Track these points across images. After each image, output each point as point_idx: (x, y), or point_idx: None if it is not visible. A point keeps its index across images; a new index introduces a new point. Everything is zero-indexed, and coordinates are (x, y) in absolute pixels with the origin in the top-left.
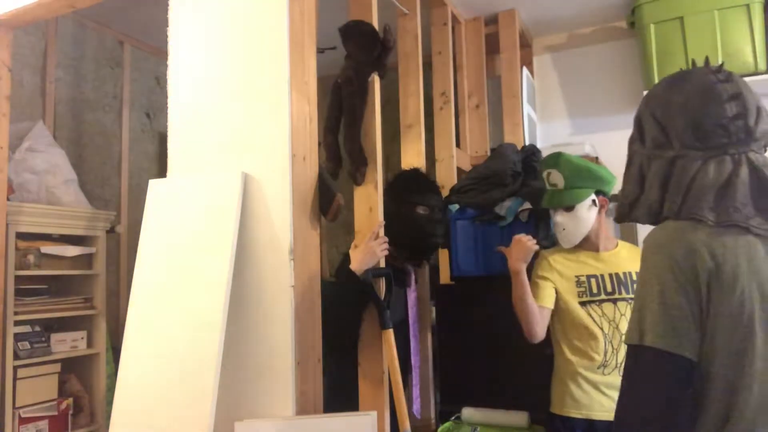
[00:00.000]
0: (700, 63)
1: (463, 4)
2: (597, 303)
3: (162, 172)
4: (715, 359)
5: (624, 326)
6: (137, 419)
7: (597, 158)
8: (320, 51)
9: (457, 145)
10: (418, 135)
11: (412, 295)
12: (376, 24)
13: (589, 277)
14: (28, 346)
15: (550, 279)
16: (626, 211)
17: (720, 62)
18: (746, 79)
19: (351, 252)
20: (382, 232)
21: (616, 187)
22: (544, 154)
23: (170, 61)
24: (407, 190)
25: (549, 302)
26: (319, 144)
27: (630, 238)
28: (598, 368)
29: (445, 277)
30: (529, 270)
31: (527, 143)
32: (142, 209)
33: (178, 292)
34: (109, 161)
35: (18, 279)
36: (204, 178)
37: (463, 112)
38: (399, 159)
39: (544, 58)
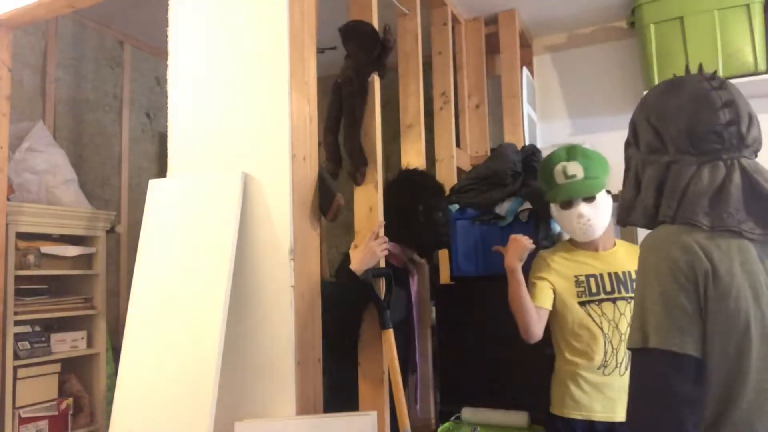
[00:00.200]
0: (694, 68)
1: (463, 4)
2: (596, 303)
3: (162, 172)
4: (712, 358)
5: (624, 326)
6: (137, 419)
7: None
8: (320, 51)
9: (457, 145)
10: (418, 135)
11: (414, 291)
12: (376, 24)
13: (588, 276)
14: (28, 346)
15: (547, 279)
16: (624, 216)
17: (714, 70)
18: (746, 79)
19: (351, 252)
20: (382, 232)
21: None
22: (544, 154)
23: (170, 61)
24: (417, 190)
25: (546, 303)
26: (319, 144)
27: (629, 237)
28: (598, 368)
29: (445, 277)
30: (526, 270)
31: (527, 143)
32: (142, 209)
33: (178, 292)
34: (109, 161)
35: (18, 279)
36: (204, 178)
37: (463, 112)
38: (399, 159)
39: (544, 58)
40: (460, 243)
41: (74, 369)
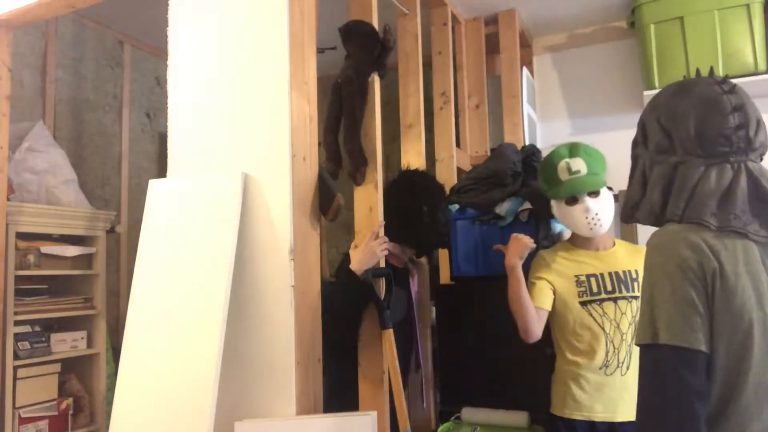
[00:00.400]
0: (700, 67)
1: (463, 4)
2: (598, 302)
3: (162, 172)
4: (718, 356)
5: (625, 325)
6: (137, 419)
7: None
8: (320, 51)
9: (457, 145)
10: (418, 135)
11: (414, 291)
12: (376, 24)
13: (588, 276)
14: (28, 346)
15: (547, 279)
16: (629, 213)
17: (726, 75)
18: (746, 79)
19: (351, 252)
20: (382, 232)
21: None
22: (544, 154)
23: (170, 61)
24: (421, 191)
25: (546, 303)
26: (319, 144)
27: (629, 237)
28: (600, 368)
29: (445, 277)
30: (526, 270)
31: (527, 143)
32: (142, 209)
33: (178, 292)
34: (109, 161)
35: (18, 279)
36: (204, 178)
37: (463, 112)
38: (399, 159)
39: (544, 58)
40: (460, 243)
41: (74, 369)
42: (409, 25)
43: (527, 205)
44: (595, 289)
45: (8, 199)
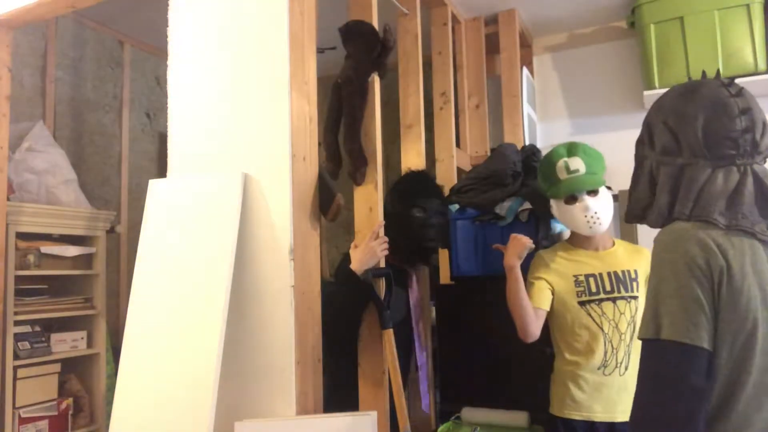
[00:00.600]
0: (694, 70)
1: (463, 4)
2: (596, 302)
3: (162, 172)
4: (721, 354)
5: (624, 325)
6: (137, 419)
7: None
8: (320, 51)
9: (457, 145)
10: (418, 135)
11: (413, 296)
12: (376, 24)
13: (587, 276)
14: (28, 346)
15: (546, 279)
16: (639, 214)
17: (732, 77)
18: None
19: (351, 252)
20: (382, 232)
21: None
22: (544, 153)
23: (170, 61)
24: (406, 191)
25: (544, 304)
26: (319, 144)
27: (629, 237)
28: (598, 368)
29: (445, 277)
30: (525, 270)
31: (527, 143)
32: (142, 209)
33: (178, 292)
34: (109, 161)
35: (18, 279)
36: (204, 178)
37: (463, 112)
38: (399, 159)
39: (544, 58)
40: (460, 243)
41: (74, 369)
42: (409, 25)
43: (527, 205)
44: (593, 289)
45: (8, 199)
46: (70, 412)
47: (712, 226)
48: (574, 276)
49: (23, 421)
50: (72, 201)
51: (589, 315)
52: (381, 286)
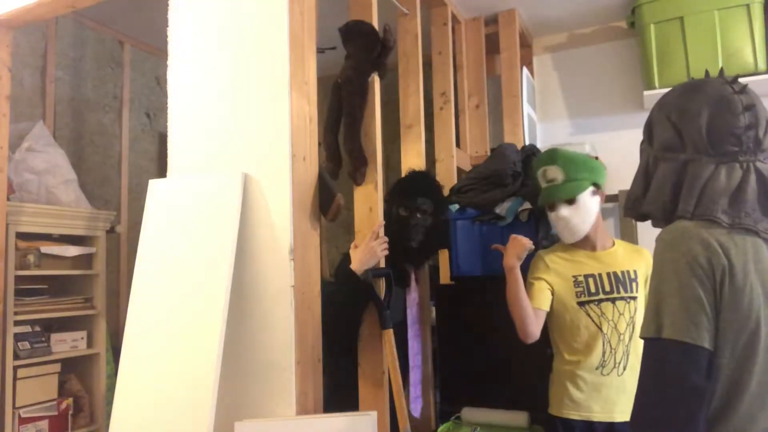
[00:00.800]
0: (695, 69)
1: (463, 4)
2: (595, 303)
3: (162, 172)
4: (723, 354)
5: (622, 326)
6: (137, 419)
7: (597, 158)
8: (320, 51)
9: (457, 145)
10: (418, 135)
11: (411, 296)
12: (376, 24)
13: (586, 276)
14: (28, 346)
15: (545, 280)
16: (630, 206)
17: (736, 75)
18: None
19: (351, 252)
20: (382, 232)
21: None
22: None
23: (170, 61)
24: (400, 191)
25: (544, 304)
26: (319, 144)
27: (629, 237)
28: (597, 368)
29: (445, 277)
30: (525, 270)
31: (527, 143)
32: (142, 209)
33: (178, 292)
34: (109, 161)
35: (18, 279)
36: (204, 178)
37: (463, 112)
38: (399, 159)
39: (544, 58)
40: (460, 243)
41: (74, 369)
42: (409, 25)
43: (527, 205)
44: (593, 290)
45: (8, 199)
46: (70, 412)
47: (715, 224)
48: (574, 276)
49: (23, 421)
50: (72, 201)
51: (588, 315)
52: (381, 286)
